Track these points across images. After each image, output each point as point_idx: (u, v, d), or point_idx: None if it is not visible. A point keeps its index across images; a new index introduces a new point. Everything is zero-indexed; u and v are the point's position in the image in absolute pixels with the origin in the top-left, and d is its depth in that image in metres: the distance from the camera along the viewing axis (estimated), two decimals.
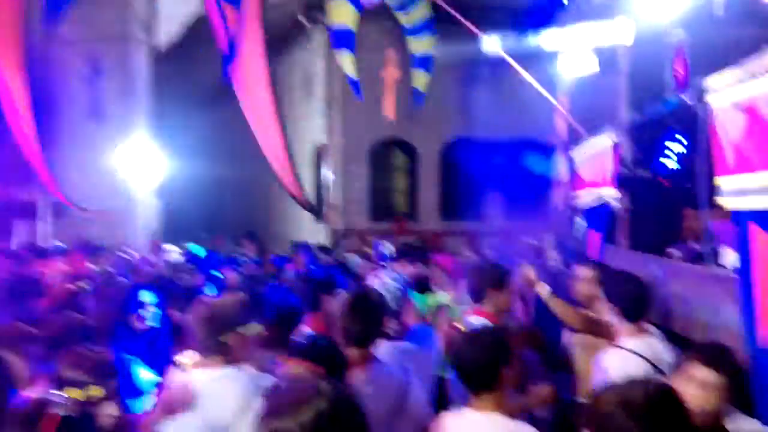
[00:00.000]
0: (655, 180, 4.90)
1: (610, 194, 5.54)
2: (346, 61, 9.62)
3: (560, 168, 7.59)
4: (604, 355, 3.09)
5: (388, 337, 3.24)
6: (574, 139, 6.96)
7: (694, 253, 4.01)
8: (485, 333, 2.53)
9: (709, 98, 3.47)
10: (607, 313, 3.25)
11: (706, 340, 2.49)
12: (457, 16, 7.89)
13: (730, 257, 3.62)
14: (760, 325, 2.79)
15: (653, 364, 2.94)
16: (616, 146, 5.45)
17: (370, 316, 2.82)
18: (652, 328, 3.18)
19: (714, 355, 2.41)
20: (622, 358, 3.01)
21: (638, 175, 5.07)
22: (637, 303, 3.13)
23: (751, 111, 3.11)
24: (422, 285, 4.99)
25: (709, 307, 3.34)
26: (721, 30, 3.87)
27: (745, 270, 2.98)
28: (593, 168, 6.08)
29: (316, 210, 13.75)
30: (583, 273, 3.85)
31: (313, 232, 13.53)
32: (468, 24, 7.92)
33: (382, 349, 3.01)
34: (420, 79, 10.45)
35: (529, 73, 7.54)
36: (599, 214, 5.89)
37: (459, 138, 13.43)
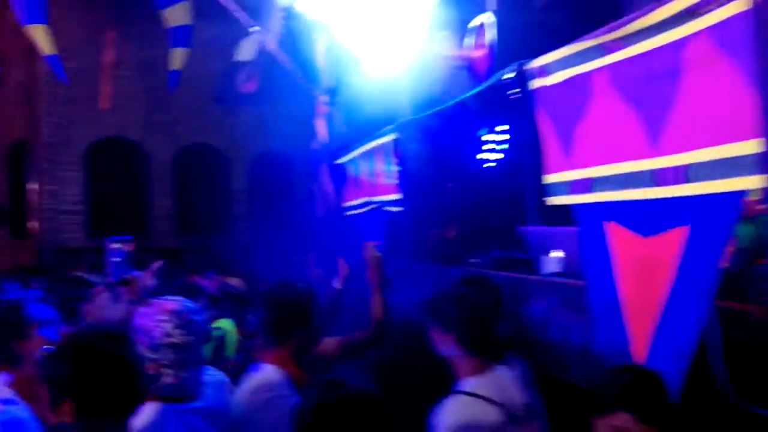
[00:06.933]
0: (444, 183, 4.44)
1: (390, 199, 5.01)
2: (39, 34, 8.11)
3: (324, 174, 6.92)
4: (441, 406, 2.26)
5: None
6: (343, 143, 6.33)
7: (504, 262, 3.57)
8: None
9: (536, 82, 3.06)
10: None
11: (621, 377, 1.89)
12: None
13: (551, 265, 3.23)
14: (631, 340, 2.35)
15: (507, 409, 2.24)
16: (397, 145, 4.91)
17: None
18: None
19: (640, 400, 1.82)
20: (462, 406, 2.23)
21: (426, 177, 4.55)
22: (483, 330, 2.38)
23: (588, 92, 2.70)
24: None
25: (556, 325, 2.88)
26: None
27: (601, 278, 2.54)
28: (370, 171, 5.52)
29: (14, 222, 11.20)
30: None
31: (13, 249, 10.88)
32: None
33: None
34: (177, 57, 9.25)
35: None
36: (377, 222, 5.34)
37: (197, 144, 11.93)
